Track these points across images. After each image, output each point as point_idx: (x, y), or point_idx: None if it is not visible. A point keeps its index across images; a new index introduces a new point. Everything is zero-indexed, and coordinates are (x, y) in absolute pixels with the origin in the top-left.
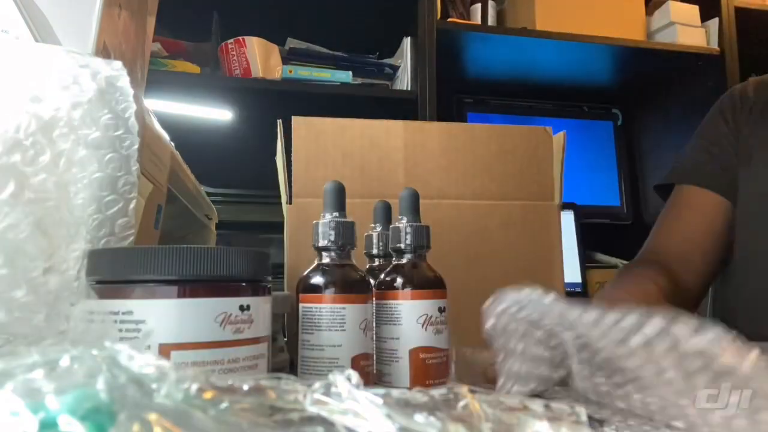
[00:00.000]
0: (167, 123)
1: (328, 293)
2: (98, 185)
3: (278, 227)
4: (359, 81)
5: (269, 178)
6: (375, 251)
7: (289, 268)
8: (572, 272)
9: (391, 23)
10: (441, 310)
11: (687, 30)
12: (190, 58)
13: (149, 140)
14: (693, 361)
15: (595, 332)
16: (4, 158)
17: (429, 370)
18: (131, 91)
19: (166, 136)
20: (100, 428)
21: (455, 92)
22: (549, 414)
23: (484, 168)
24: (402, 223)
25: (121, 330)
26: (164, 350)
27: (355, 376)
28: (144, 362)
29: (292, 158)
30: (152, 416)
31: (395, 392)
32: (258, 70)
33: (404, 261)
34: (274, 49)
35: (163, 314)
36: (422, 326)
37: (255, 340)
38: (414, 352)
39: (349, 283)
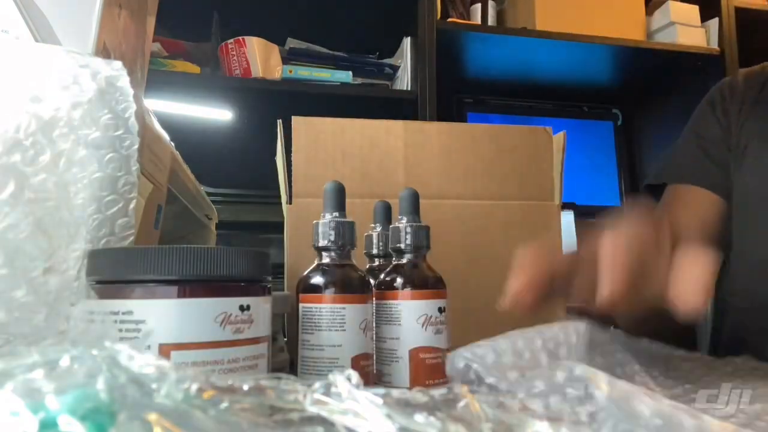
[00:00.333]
0: (167, 123)
1: (328, 293)
2: (98, 185)
3: (278, 227)
4: (359, 81)
5: (269, 178)
6: (375, 251)
7: (289, 268)
8: None
9: (391, 23)
10: (441, 310)
11: (687, 30)
12: (190, 58)
13: (149, 140)
14: None
15: None
16: (4, 158)
17: (429, 370)
18: (131, 91)
19: (166, 136)
20: (100, 428)
21: (455, 92)
22: (549, 414)
23: (484, 168)
24: (402, 223)
25: (121, 330)
26: (164, 350)
27: (355, 376)
28: (144, 362)
29: (292, 158)
30: (152, 416)
31: (395, 392)
32: (258, 70)
33: (404, 261)
34: (274, 49)
35: (162, 314)
36: (422, 326)
37: (255, 340)
38: (414, 352)
39: (349, 283)
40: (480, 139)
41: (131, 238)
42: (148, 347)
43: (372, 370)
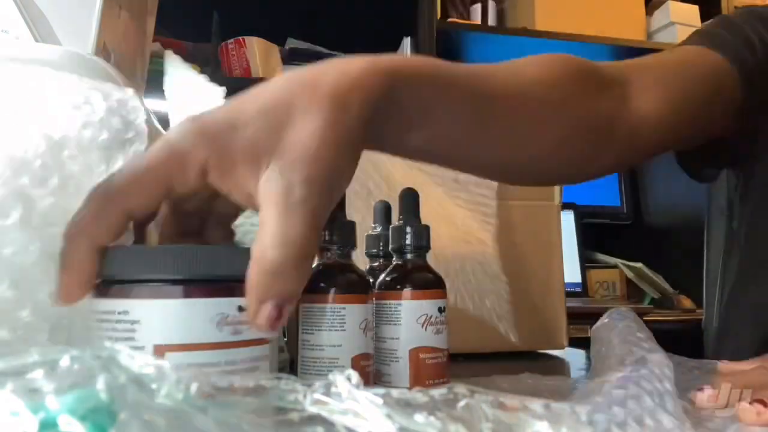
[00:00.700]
0: (167, 123)
1: (328, 293)
2: None
3: None
4: None
5: None
6: (375, 251)
7: None
8: (572, 272)
9: (391, 23)
10: (441, 310)
11: (687, 30)
12: (190, 58)
13: (149, 140)
14: None
15: None
16: (12, 181)
17: (429, 370)
18: (142, 107)
19: None
20: (100, 428)
21: None
22: (549, 414)
23: None
24: (402, 223)
25: (116, 330)
26: (159, 351)
27: (355, 376)
28: (144, 362)
29: None
30: (152, 416)
31: (395, 392)
32: (258, 71)
33: (404, 261)
34: (274, 49)
35: (157, 314)
36: (422, 326)
37: (255, 342)
38: (414, 352)
39: (349, 283)
40: None
41: None
42: (143, 348)
43: (372, 370)
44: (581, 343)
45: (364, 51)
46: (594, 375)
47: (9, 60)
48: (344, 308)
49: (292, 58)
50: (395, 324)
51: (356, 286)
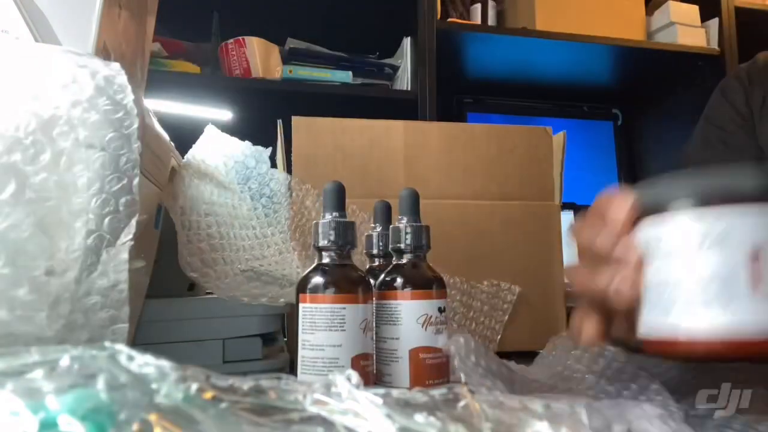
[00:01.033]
0: (167, 123)
1: (328, 293)
2: (100, 164)
3: None
4: (359, 81)
5: None
6: (375, 251)
7: None
8: None
9: (391, 23)
10: (441, 310)
11: (687, 30)
12: (190, 58)
13: (149, 140)
14: None
15: None
16: (4, 157)
17: (429, 370)
18: (128, 85)
19: (166, 136)
20: (100, 428)
21: (455, 92)
22: (549, 414)
23: (484, 168)
24: (402, 223)
25: None
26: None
27: (355, 376)
28: (144, 362)
29: (292, 158)
30: (152, 416)
31: (395, 392)
32: (258, 70)
33: (404, 261)
34: (274, 49)
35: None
36: (422, 326)
37: None
38: (414, 352)
39: (349, 283)
40: (480, 139)
41: (136, 216)
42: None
43: (372, 370)
44: None
45: (364, 51)
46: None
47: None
48: (344, 308)
49: (292, 58)
50: (395, 324)
51: (356, 286)
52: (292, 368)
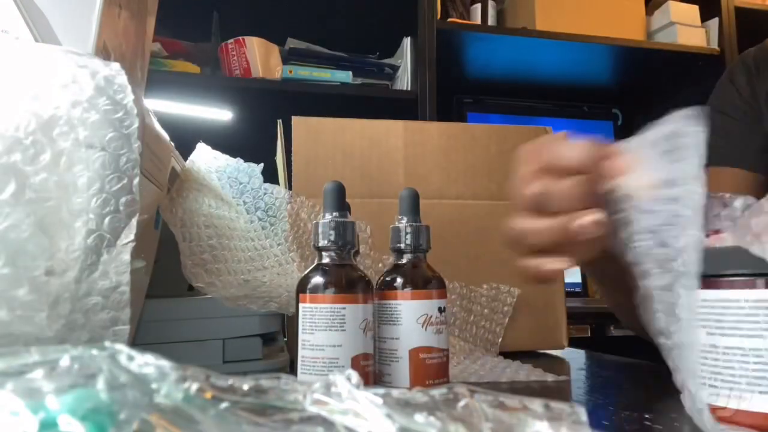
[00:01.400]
0: (167, 123)
1: (328, 293)
2: (100, 164)
3: None
4: (359, 81)
5: (269, 178)
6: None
7: None
8: (572, 272)
9: (391, 23)
10: (441, 310)
11: (687, 30)
12: (190, 58)
13: (149, 140)
14: None
15: None
16: (4, 157)
17: (429, 370)
18: (128, 85)
19: (166, 136)
20: (100, 428)
21: (455, 92)
22: (549, 414)
23: (484, 168)
24: (402, 223)
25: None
26: None
27: (355, 376)
28: (144, 362)
29: (292, 158)
30: (152, 416)
31: (395, 392)
32: (258, 70)
33: (404, 261)
34: (274, 49)
35: None
36: (422, 326)
37: None
38: (414, 352)
39: (349, 283)
40: (480, 139)
41: (136, 215)
42: None
43: (372, 370)
44: (581, 343)
45: (364, 51)
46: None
47: None
48: (344, 308)
49: (292, 58)
50: (395, 324)
51: (356, 286)
52: (292, 368)
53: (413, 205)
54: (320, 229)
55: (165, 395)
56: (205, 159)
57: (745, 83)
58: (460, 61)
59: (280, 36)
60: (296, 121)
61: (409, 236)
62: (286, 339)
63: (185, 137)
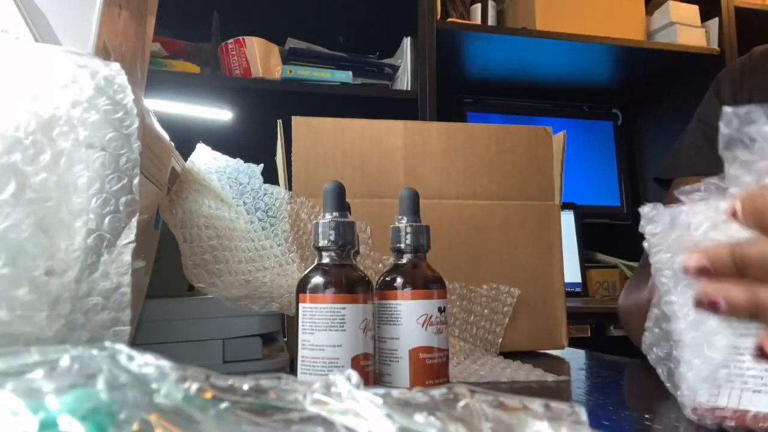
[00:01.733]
0: (167, 123)
1: (328, 293)
2: (100, 164)
3: None
4: (359, 81)
5: (269, 178)
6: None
7: None
8: (572, 272)
9: (391, 23)
10: (441, 310)
11: (687, 30)
12: (190, 58)
13: (149, 140)
14: None
15: None
16: (4, 157)
17: (429, 370)
18: (128, 86)
19: (166, 136)
20: (100, 428)
21: (455, 92)
22: (549, 414)
23: (484, 168)
24: (402, 223)
25: None
26: None
27: (355, 376)
28: (144, 362)
29: (292, 158)
30: (152, 416)
31: (395, 392)
32: (258, 70)
33: (404, 261)
34: (274, 49)
35: None
36: (422, 326)
37: None
38: (414, 352)
39: (349, 283)
40: (480, 139)
41: (136, 215)
42: None
43: (372, 370)
44: (581, 343)
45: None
46: None
47: None
48: (344, 308)
49: (292, 58)
50: (395, 324)
51: (356, 286)
52: (292, 368)
53: (413, 205)
54: (320, 229)
55: (165, 395)
56: (204, 159)
57: (728, 94)
58: (460, 61)
59: (280, 36)
60: (296, 121)
61: (409, 236)
62: (286, 339)
63: (185, 137)
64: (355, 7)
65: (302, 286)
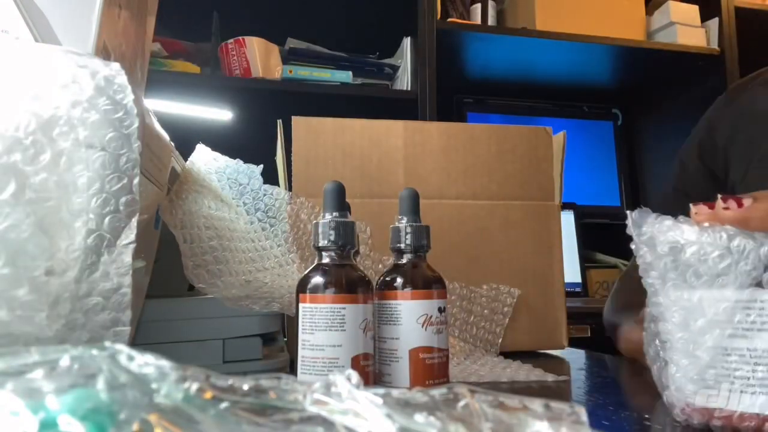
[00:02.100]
0: (167, 123)
1: (328, 293)
2: (100, 164)
3: None
4: (359, 81)
5: (269, 178)
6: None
7: None
8: (572, 272)
9: (391, 23)
10: (441, 310)
11: (687, 30)
12: (190, 58)
13: (149, 140)
14: None
15: None
16: (4, 157)
17: (429, 370)
18: (128, 86)
19: (166, 136)
20: (100, 428)
21: (455, 92)
22: (549, 414)
23: (484, 168)
24: (402, 223)
25: None
26: None
27: (355, 376)
28: (144, 362)
29: (292, 158)
30: (152, 416)
31: (395, 392)
32: (258, 70)
33: (404, 261)
34: (274, 49)
35: None
36: (422, 326)
37: None
38: (414, 352)
39: (349, 283)
40: (480, 139)
41: (136, 215)
42: None
43: (372, 370)
44: (581, 343)
45: (364, 51)
46: None
47: None
48: (344, 308)
49: (292, 58)
50: (395, 324)
51: (356, 286)
52: (292, 368)
53: (413, 205)
54: (320, 229)
55: (165, 395)
56: (204, 160)
57: (717, 115)
58: (460, 61)
59: (280, 36)
60: (296, 121)
61: (409, 236)
62: (286, 339)
63: (185, 137)
64: (355, 7)
65: (302, 286)
